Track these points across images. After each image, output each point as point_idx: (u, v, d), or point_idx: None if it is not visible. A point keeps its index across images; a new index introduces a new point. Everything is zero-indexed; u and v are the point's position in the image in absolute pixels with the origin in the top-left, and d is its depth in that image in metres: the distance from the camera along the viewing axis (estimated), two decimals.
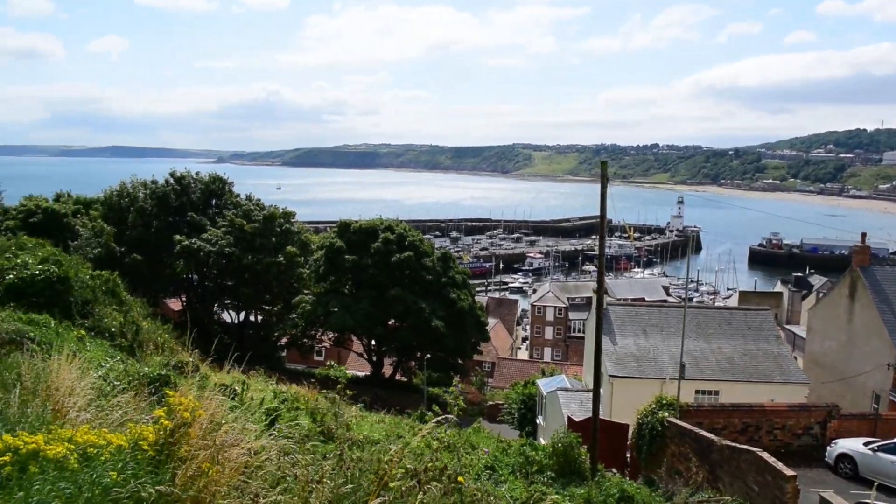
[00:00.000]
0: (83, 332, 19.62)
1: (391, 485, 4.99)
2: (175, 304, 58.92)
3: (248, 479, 5.58)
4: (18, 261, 21.51)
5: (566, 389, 37.83)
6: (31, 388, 8.86)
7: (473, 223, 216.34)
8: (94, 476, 5.39)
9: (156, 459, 5.85)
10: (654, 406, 23.53)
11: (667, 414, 22.61)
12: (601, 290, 19.10)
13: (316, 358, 64.41)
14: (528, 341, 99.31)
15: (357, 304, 51.96)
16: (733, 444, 18.59)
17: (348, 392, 7.39)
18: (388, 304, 52.03)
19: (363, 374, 60.79)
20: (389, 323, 54.61)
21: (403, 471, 5.11)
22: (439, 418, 6.73)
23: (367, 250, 53.15)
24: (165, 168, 60.88)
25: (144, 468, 5.61)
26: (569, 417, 31.77)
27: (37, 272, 20.07)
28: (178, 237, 50.93)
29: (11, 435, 6.52)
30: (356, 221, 56.87)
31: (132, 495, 5.17)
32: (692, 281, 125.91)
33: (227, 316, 59.31)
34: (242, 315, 58.40)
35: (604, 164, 19.42)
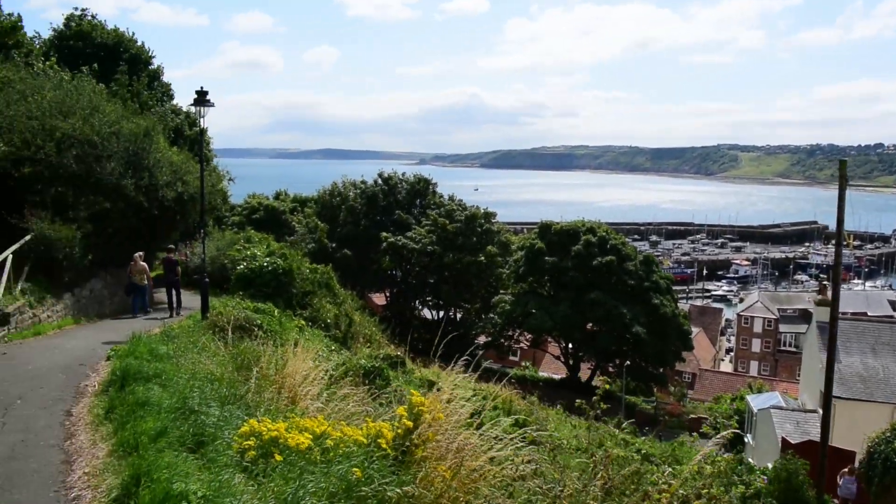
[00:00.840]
0: (303, 321, 20.62)
1: None
2: (379, 299, 61.23)
3: (492, 489, 5.28)
4: (248, 253, 23.00)
5: (780, 408, 35.08)
6: (266, 375, 9.18)
7: (674, 227, 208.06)
8: (340, 471, 5.29)
9: (396, 459, 5.69)
10: (888, 434, 21.10)
11: None
12: (836, 303, 17.34)
13: (511, 358, 64.37)
14: (732, 353, 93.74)
15: (556, 306, 51.34)
16: None
17: (603, 406, 6.83)
18: (587, 308, 50.92)
19: (558, 376, 60.06)
20: (588, 327, 53.44)
21: (669, 495, 4.56)
22: (721, 436, 6.09)
23: (567, 252, 52.33)
24: (371, 169, 63.31)
25: (386, 468, 5.45)
26: (783, 439, 29.46)
27: (265, 264, 21.31)
28: (384, 234, 52.81)
29: (256, 420, 6.66)
30: (557, 223, 56.20)
31: (376, 494, 5.02)
32: None
33: (428, 312, 60.68)
34: (442, 312, 59.53)
35: (843, 163, 17.59)
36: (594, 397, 6.75)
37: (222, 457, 6.34)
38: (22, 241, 18.26)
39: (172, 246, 25.69)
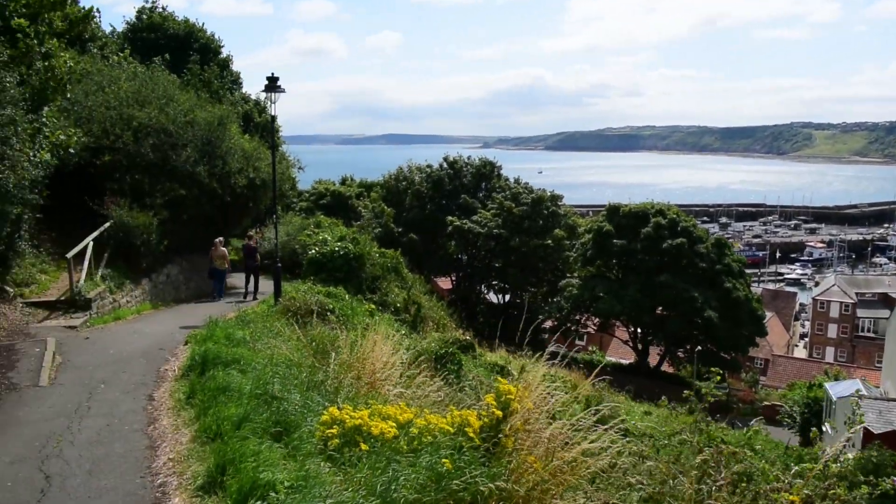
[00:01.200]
0: (373, 306, 20.62)
1: None
2: (444, 283, 61.22)
3: (582, 480, 5.04)
4: (319, 237, 23.13)
5: (862, 396, 33.74)
6: (345, 360, 9.11)
7: (745, 208, 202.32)
8: (429, 462, 5.13)
9: (485, 450, 5.50)
10: None
11: None
12: None
13: (578, 342, 63.66)
14: (806, 339, 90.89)
15: (624, 289, 50.44)
16: None
17: (710, 399, 6.50)
18: (656, 291, 49.90)
19: (626, 361, 59.14)
20: (657, 311, 52.39)
21: (788, 495, 4.26)
22: (854, 430, 5.73)
23: (636, 235, 51.32)
24: (434, 154, 63.16)
25: (477, 459, 5.27)
26: (865, 428, 28.38)
27: (336, 249, 21.38)
28: (450, 218, 52.67)
29: (337, 408, 6.57)
30: (625, 205, 55.13)
31: (467, 487, 4.84)
32: None
33: (493, 296, 60.43)
34: (508, 296, 59.18)
35: None
36: (703, 390, 6.43)
37: (306, 444, 6.27)
38: (102, 229, 18.73)
39: (252, 233, 26.20)
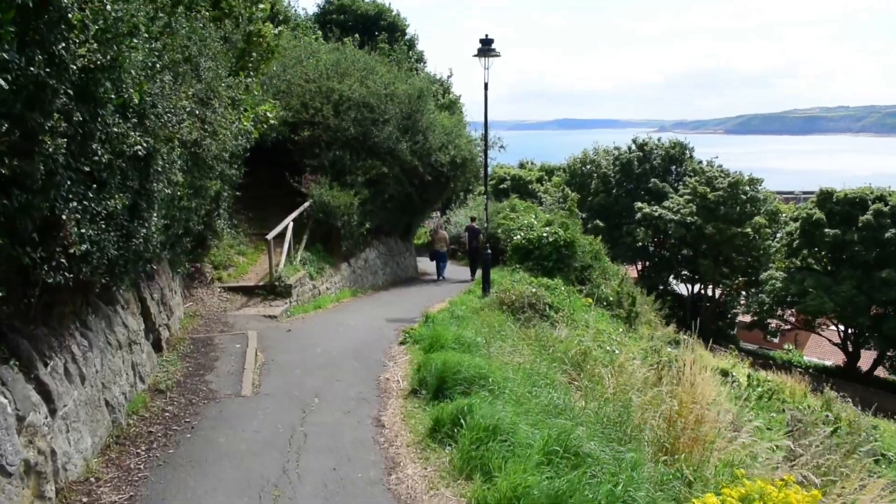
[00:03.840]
0: (589, 300, 18.14)
1: None
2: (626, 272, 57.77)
3: None
4: (525, 222, 20.96)
5: None
6: (604, 392, 6.60)
7: None
8: None
9: None
10: None
11: None
12: None
13: (771, 339, 58.41)
14: None
15: (836, 284, 44.93)
16: None
17: None
18: (874, 288, 44.04)
19: (828, 362, 53.27)
20: (872, 310, 46.32)
21: None
22: None
23: (850, 224, 45.58)
24: (609, 138, 60.62)
25: None
26: None
27: (544, 234, 19.07)
28: (639, 205, 49.61)
29: (715, 494, 4.11)
30: (840, 190, 49.23)
31: None
32: None
33: (681, 287, 56.51)
34: (697, 287, 55.07)
35: None
36: None
37: None
38: (301, 209, 17.33)
39: (475, 215, 24.86)
